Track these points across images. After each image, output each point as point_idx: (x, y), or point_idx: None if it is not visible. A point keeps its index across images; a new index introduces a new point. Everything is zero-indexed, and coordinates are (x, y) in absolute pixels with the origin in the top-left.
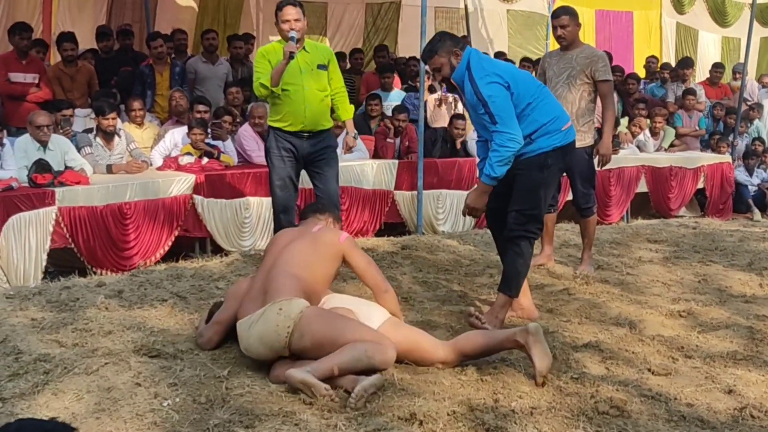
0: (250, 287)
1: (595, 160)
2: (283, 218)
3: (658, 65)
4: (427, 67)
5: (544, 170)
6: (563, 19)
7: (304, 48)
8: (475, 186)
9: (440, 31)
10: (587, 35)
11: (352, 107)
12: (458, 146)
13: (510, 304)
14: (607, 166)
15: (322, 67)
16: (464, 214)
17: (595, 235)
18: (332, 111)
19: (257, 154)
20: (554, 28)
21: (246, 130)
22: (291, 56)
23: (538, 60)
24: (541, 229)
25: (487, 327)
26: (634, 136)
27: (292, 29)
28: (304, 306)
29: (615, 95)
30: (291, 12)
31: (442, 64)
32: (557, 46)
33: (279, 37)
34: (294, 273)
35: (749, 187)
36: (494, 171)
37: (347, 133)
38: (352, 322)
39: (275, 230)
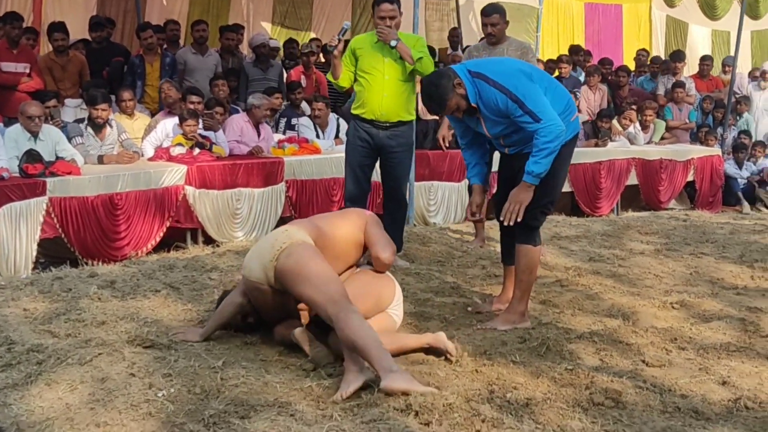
0: None
1: None
2: (349, 207)
3: (648, 59)
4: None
5: (556, 159)
6: (494, 18)
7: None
8: (518, 187)
9: (427, 80)
10: (576, 28)
11: None
12: (447, 140)
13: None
14: (598, 158)
15: None
16: (506, 215)
17: (588, 226)
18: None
19: (233, 143)
20: (484, 25)
21: (234, 119)
22: (333, 48)
23: None
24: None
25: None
26: (624, 128)
27: (346, 21)
28: (307, 240)
29: (606, 87)
30: (387, 8)
31: (457, 104)
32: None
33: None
34: (316, 224)
35: (739, 180)
36: (543, 166)
37: None
38: (334, 276)
39: None
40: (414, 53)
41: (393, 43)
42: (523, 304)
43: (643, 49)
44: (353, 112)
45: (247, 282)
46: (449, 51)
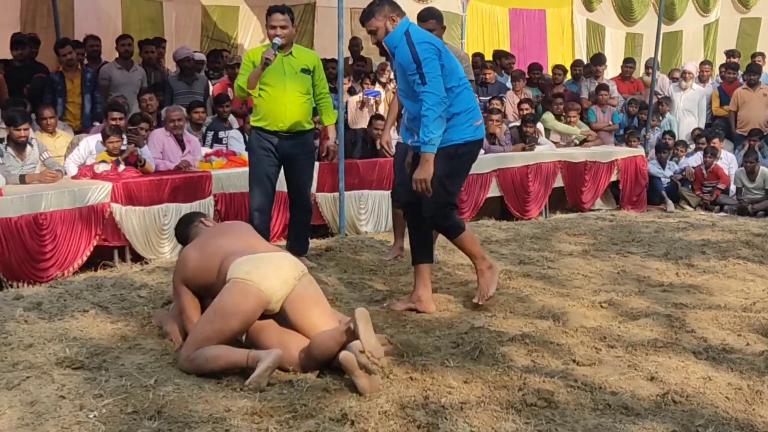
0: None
1: None
2: (257, 217)
3: (570, 63)
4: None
5: (453, 160)
6: (431, 23)
7: (291, 53)
8: (419, 166)
9: None
10: (501, 34)
11: (336, 113)
12: (378, 147)
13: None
14: (525, 162)
15: (306, 71)
16: (416, 190)
17: (517, 230)
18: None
19: (156, 160)
20: None
21: (154, 134)
22: (266, 62)
23: None
24: (454, 209)
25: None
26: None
27: (277, 35)
28: None
29: (530, 92)
30: (278, 18)
31: (377, 27)
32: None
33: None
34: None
35: (662, 179)
36: (432, 132)
37: (329, 139)
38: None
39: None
40: (308, 64)
41: (277, 41)
42: (486, 261)
43: (579, 60)
44: (254, 124)
45: (250, 289)
46: (350, 61)
